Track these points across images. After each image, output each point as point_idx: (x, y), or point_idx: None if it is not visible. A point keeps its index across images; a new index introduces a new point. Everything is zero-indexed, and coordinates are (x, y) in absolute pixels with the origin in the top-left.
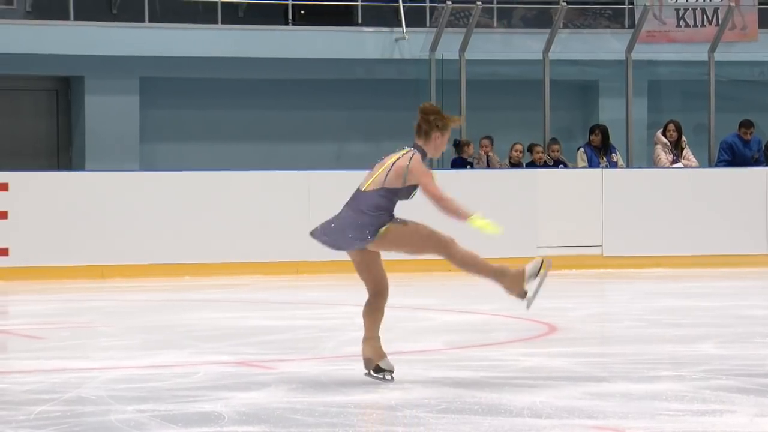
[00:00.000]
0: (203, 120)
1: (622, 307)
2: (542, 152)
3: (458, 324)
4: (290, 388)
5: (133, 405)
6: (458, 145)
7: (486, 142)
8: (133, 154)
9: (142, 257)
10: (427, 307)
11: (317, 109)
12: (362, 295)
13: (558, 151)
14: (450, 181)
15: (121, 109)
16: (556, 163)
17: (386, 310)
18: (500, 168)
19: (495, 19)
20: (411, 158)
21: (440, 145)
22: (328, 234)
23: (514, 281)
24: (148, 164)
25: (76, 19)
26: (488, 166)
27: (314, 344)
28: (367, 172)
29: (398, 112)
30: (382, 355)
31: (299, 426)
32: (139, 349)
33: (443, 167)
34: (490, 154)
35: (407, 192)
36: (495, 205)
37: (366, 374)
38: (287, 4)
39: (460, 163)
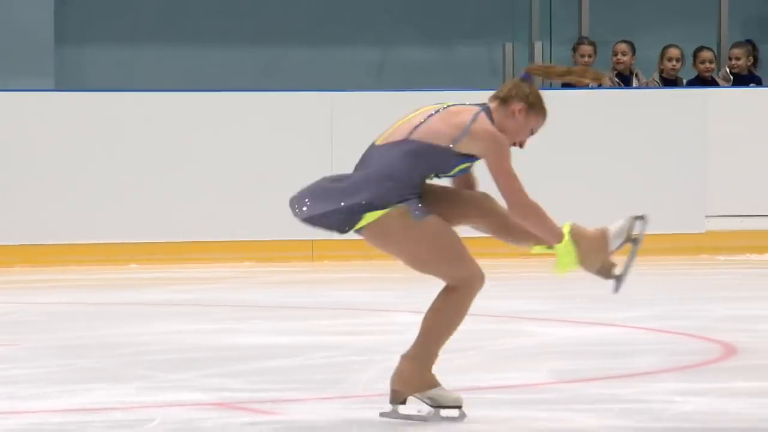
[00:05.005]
0: (157, 13)
1: None
2: (714, 61)
3: (574, 342)
4: None
5: None
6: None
7: (623, 48)
8: (46, 64)
9: (63, 234)
10: (523, 315)
11: None
12: (420, 294)
13: (741, 59)
14: (568, 105)
15: None
16: (743, 80)
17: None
18: (651, 86)
19: None
20: (476, 116)
21: (518, 127)
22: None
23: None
24: (67, 80)
25: None
26: (622, 82)
27: (340, 375)
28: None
29: None
30: (433, 384)
31: None
32: (58, 383)
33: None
34: (630, 65)
35: (450, 161)
36: (639, 144)
37: (386, 413)
38: None
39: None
